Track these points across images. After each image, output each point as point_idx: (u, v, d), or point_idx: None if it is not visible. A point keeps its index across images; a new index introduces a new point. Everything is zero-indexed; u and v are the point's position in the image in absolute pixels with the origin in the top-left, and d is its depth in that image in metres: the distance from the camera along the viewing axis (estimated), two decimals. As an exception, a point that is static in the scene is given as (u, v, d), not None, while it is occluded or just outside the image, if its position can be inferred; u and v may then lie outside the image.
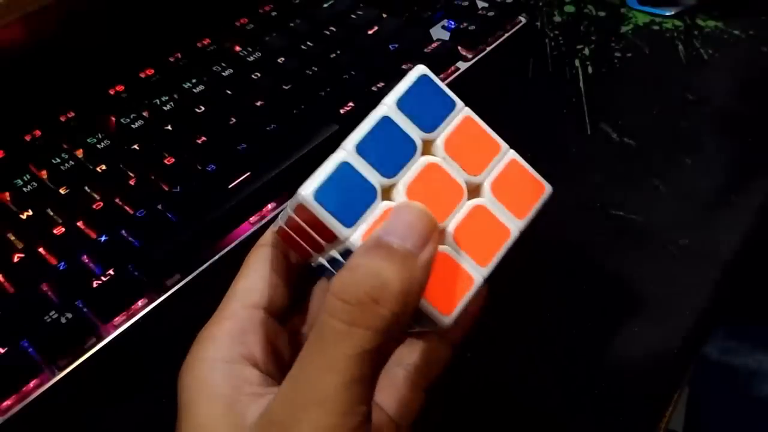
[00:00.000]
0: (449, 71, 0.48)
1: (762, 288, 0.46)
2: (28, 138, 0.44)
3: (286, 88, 0.46)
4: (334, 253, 0.25)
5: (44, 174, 0.42)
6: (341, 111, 0.44)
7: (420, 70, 0.25)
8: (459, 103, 0.26)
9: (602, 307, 0.37)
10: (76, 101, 0.46)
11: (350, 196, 0.23)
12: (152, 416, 0.34)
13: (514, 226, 0.26)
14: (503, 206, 0.26)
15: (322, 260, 0.26)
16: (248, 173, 0.40)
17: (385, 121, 0.24)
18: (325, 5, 0.53)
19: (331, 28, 0.50)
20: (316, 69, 0.47)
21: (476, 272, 0.24)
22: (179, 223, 0.38)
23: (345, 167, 0.23)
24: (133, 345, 0.35)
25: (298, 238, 0.26)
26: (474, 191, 0.26)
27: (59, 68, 0.48)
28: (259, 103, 0.45)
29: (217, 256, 0.38)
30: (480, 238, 0.25)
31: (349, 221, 0.23)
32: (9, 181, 0.41)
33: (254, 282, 0.27)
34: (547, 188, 0.27)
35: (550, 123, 0.48)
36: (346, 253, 0.23)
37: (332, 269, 0.26)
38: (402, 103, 0.25)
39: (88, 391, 0.34)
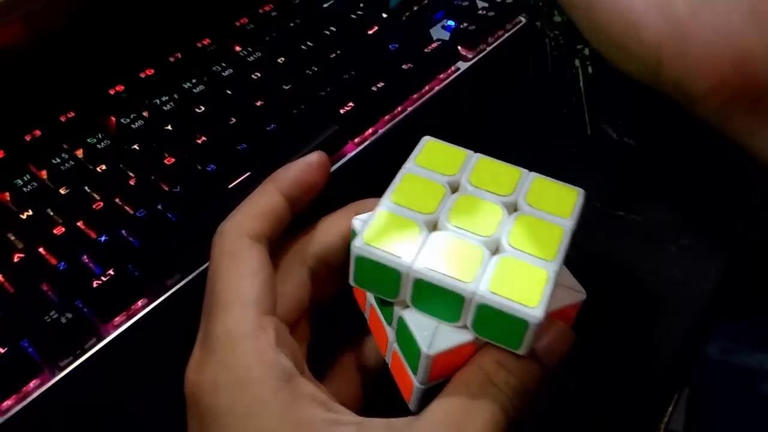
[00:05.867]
0: (449, 71, 0.48)
1: (762, 288, 0.46)
2: (28, 138, 0.44)
3: (286, 88, 0.46)
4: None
5: (44, 174, 0.42)
6: (341, 111, 0.44)
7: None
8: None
9: (602, 307, 0.37)
10: (76, 101, 0.46)
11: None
12: (152, 416, 0.34)
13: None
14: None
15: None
16: (248, 173, 0.40)
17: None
18: (325, 5, 0.53)
19: (331, 28, 0.50)
20: (316, 69, 0.47)
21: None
22: (179, 223, 0.38)
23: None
24: (133, 345, 0.35)
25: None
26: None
27: (59, 68, 0.48)
28: (259, 103, 0.45)
29: (217, 256, 0.38)
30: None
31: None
32: (9, 181, 0.41)
33: (265, 286, 0.27)
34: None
35: (550, 123, 0.48)
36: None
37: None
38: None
39: (88, 391, 0.34)
